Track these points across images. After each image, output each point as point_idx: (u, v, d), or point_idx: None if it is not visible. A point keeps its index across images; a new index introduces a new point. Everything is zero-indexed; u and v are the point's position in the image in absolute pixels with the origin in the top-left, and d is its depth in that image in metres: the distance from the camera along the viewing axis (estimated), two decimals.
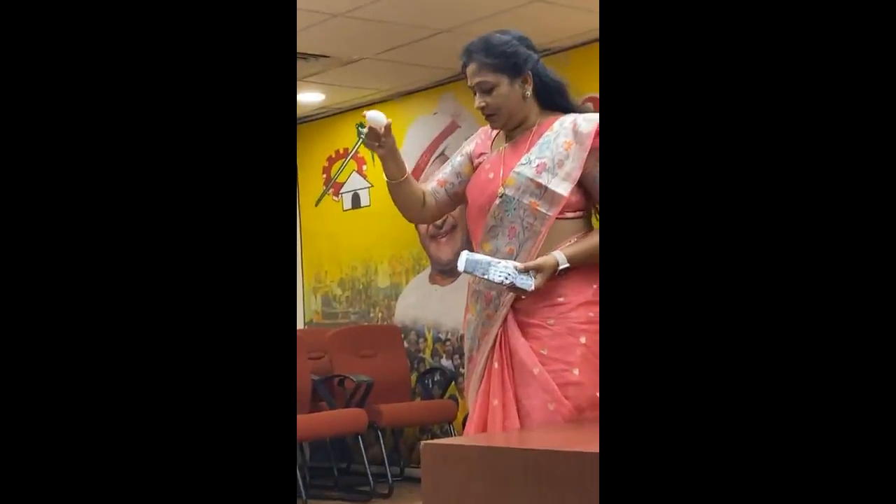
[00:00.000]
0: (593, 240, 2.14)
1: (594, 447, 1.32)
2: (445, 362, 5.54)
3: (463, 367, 2.97)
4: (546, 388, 2.07)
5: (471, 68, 2.21)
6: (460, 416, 5.09)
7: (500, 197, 2.20)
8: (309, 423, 4.99)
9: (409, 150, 5.55)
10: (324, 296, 6.28)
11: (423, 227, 5.51)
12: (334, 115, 6.12)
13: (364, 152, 6.06)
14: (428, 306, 5.62)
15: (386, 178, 2.30)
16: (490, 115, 2.24)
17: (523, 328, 2.16)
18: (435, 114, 5.62)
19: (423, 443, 1.69)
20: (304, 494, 4.85)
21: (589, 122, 2.15)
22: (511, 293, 2.13)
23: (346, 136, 6.10)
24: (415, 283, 5.72)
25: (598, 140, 2.11)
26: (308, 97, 5.77)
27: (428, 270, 5.62)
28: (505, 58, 2.19)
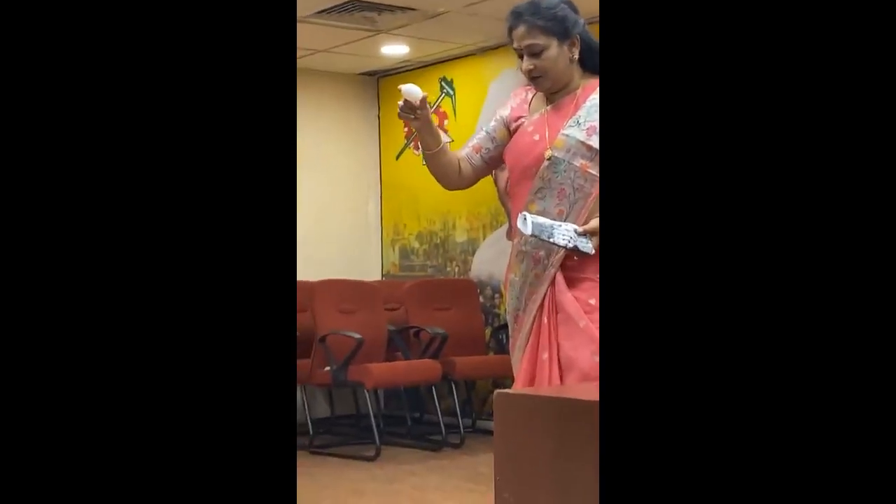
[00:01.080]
0: None
1: None
2: None
3: None
4: (593, 338, 2.11)
5: (519, 31, 2.22)
6: None
7: (549, 159, 2.21)
8: (384, 371, 5.09)
9: (493, 104, 5.54)
10: (402, 248, 6.34)
11: (501, 183, 5.51)
12: (418, 68, 6.12)
13: (446, 107, 6.07)
14: (504, 262, 5.56)
15: (421, 149, 2.33)
16: (536, 78, 2.25)
17: (570, 282, 2.21)
18: (519, 69, 5.58)
19: (496, 392, 1.71)
20: (377, 441, 4.96)
21: None
22: (561, 253, 2.17)
23: (429, 90, 6.08)
24: (492, 238, 5.73)
25: None
26: (392, 50, 5.78)
27: (505, 227, 5.62)
28: (555, 20, 2.20)
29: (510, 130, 2.34)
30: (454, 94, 6.01)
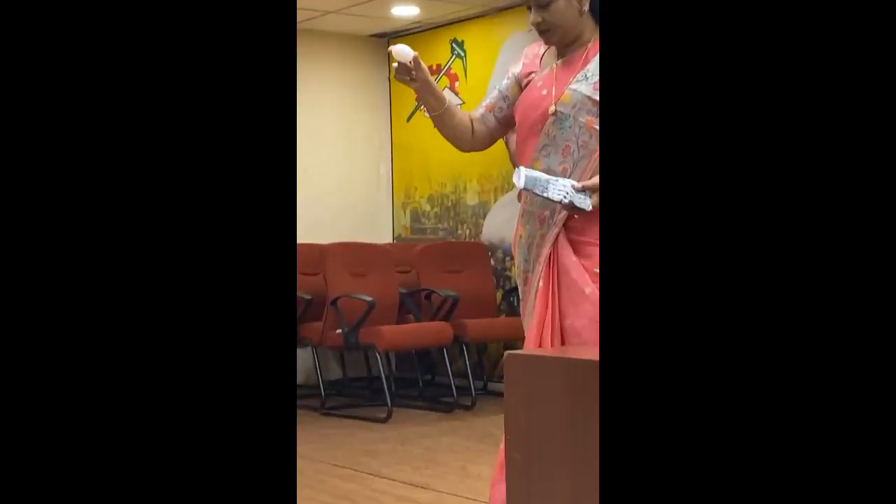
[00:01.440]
0: None
1: None
2: None
3: None
4: (596, 308, 2.05)
5: None
6: None
7: (554, 114, 2.16)
8: (395, 334, 5.11)
9: (504, 66, 5.50)
10: (413, 211, 6.34)
11: (512, 145, 5.49)
12: (428, 30, 6.08)
13: (457, 69, 6.03)
14: (515, 225, 5.62)
15: (426, 113, 2.29)
16: (544, 31, 2.20)
17: (575, 246, 2.15)
18: (531, 30, 5.54)
19: (506, 353, 1.72)
20: (389, 403, 4.99)
21: None
22: (564, 212, 2.12)
23: (439, 52, 6.06)
24: (503, 201, 5.72)
25: None
26: (403, 11, 5.74)
27: (516, 190, 5.61)
28: None
29: (521, 87, 2.29)
30: (465, 55, 5.97)
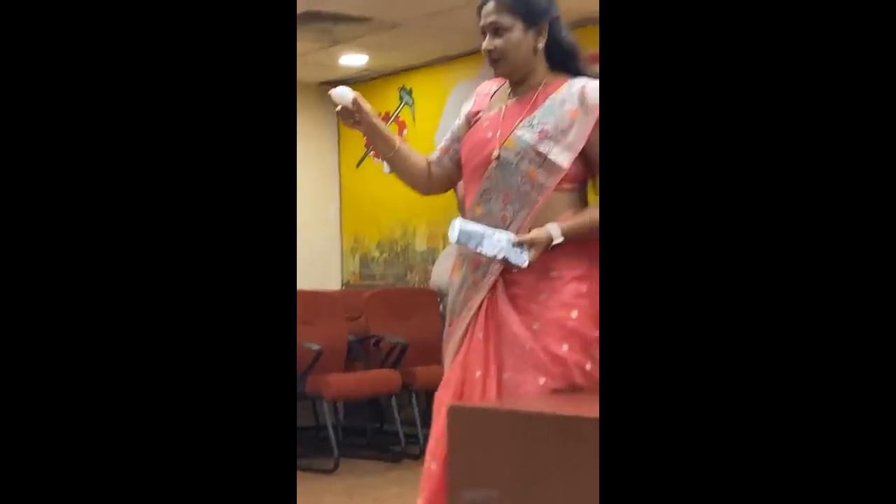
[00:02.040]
0: (588, 215, 2.06)
1: None
2: None
3: None
4: (538, 364, 2.02)
5: (487, 7, 2.11)
6: None
7: (497, 159, 2.11)
8: (344, 382, 5.06)
9: (452, 114, 5.55)
10: (362, 257, 6.33)
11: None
12: (377, 78, 6.12)
13: (405, 116, 6.07)
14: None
15: (375, 159, 2.29)
16: (496, 60, 2.13)
17: (513, 300, 2.09)
18: (477, 79, 5.61)
19: (449, 405, 1.71)
20: (336, 452, 4.93)
21: (598, 91, 2.05)
22: (499, 262, 2.05)
23: (388, 100, 6.10)
24: (452, 247, 5.72)
25: None
26: (351, 59, 5.78)
27: None
28: (524, 2, 2.09)
29: (471, 125, 2.23)
30: (413, 103, 6.01)
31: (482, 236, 2.00)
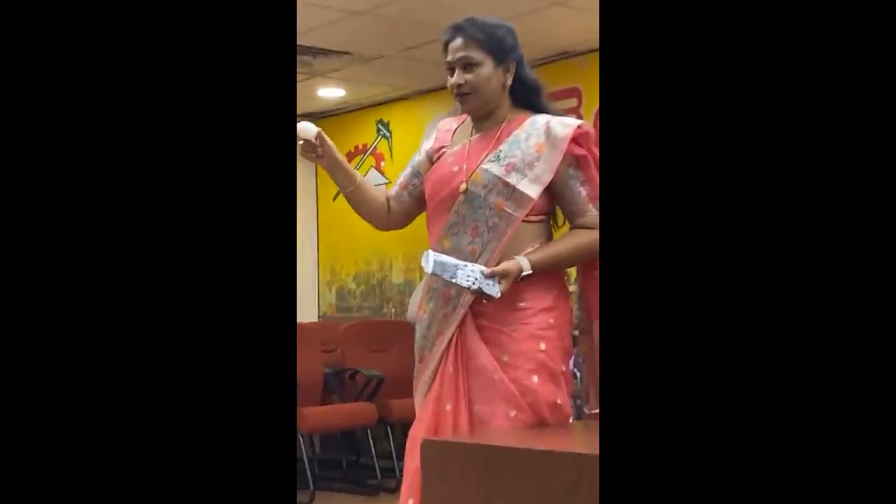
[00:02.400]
0: (555, 248, 2.10)
1: (594, 449, 1.35)
2: None
3: None
4: (508, 396, 2.03)
5: (455, 43, 2.14)
6: None
7: (464, 193, 2.13)
8: (320, 415, 5.04)
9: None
10: (339, 289, 6.32)
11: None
12: (354, 111, 6.16)
13: (382, 149, 6.10)
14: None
15: (339, 189, 2.26)
16: (465, 95, 2.15)
17: (482, 332, 2.10)
18: (452, 112, 5.65)
19: (423, 439, 1.71)
20: (311, 486, 4.89)
21: (565, 126, 2.10)
22: (469, 295, 2.08)
23: (365, 133, 6.13)
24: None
25: (574, 146, 2.08)
26: (328, 93, 5.81)
27: None
28: (494, 39, 2.13)
29: (433, 162, 2.25)
30: (391, 136, 6.04)
31: (455, 267, 2.02)
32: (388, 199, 2.30)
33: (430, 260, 2.03)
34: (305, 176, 6.42)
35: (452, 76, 2.15)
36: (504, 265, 2.05)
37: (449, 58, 2.16)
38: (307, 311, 6.31)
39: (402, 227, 2.38)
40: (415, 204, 2.31)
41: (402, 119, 5.98)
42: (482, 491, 1.63)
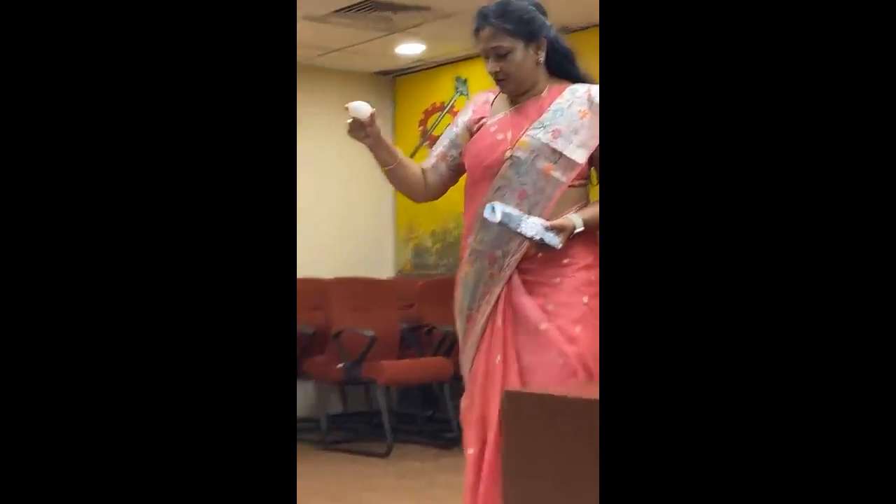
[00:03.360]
0: (598, 209, 2.17)
1: None
2: None
3: None
4: (554, 344, 2.12)
5: (486, 32, 2.22)
6: None
7: (510, 158, 2.22)
8: (396, 369, 5.11)
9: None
10: (415, 247, 6.37)
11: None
12: (432, 67, 6.14)
13: (460, 106, 6.08)
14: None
15: (379, 166, 2.33)
16: (501, 80, 2.25)
17: (528, 286, 2.20)
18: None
19: (504, 390, 1.73)
20: (389, 438, 4.98)
21: None
22: (518, 255, 2.18)
23: (443, 90, 6.12)
24: None
25: None
26: (407, 49, 5.81)
27: None
28: (522, 23, 2.20)
29: (472, 133, 2.34)
30: (468, 93, 6.02)
31: (520, 217, 2.12)
32: (424, 173, 2.39)
33: (498, 210, 2.10)
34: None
35: (487, 62, 2.25)
36: (561, 220, 2.15)
37: (481, 46, 2.25)
38: (384, 267, 6.38)
39: (437, 199, 2.47)
40: (451, 175, 2.41)
41: (480, 76, 5.94)
42: (562, 442, 1.65)
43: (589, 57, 2.29)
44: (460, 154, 2.36)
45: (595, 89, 2.21)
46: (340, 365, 5.08)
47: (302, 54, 5.73)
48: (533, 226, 2.12)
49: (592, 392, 1.91)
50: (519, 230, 2.11)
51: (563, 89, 2.25)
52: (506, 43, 2.20)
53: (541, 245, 2.13)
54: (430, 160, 2.40)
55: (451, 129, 2.40)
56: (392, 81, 6.46)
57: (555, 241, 2.13)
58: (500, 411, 2.06)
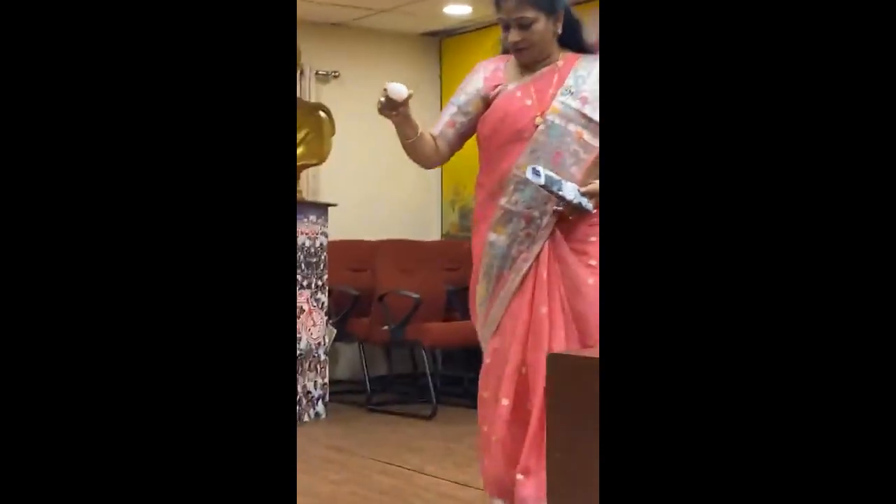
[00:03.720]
0: None
1: None
2: None
3: None
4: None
5: (509, 3, 2.31)
6: None
7: (545, 122, 2.32)
8: (442, 331, 5.13)
9: None
10: (461, 209, 6.35)
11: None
12: (480, 28, 6.08)
13: None
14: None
15: (399, 139, 2.40)
16: (522, 50, 2.34)
17: (570, 244, 2.35)
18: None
19: (548, 353, 1.72)
20: (434, 400, 5.01)
21: None
22: (552, 216, 2.31)
23: (491, 50, 6.06)
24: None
25: None
26: (455, 10, 5.75)
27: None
28: None
29: (488, 99, 2.42)
30: None
31: (561, 181, 2.24)
32: (434, 140, 2.48)
33: (542, 173, 2.20)
34: (430, 94, 6.41)
35: (507, 32, 2.36)
36: (593, 185, 2.28)
37: (504, 16, 2.34)
38: (430, 230, 6.38)
39: (444, 163, 2.59)
40: (458, 141, 2.53)
41: None
42: None
43: (589, 31, 2.43)
44: (469, 120, 2.45)
45: None
46: (385, 327, 5.10)
47: (350, 15, 5.71)
48: (572, 189, 2.23)
49: None
50: (560, 193, 2.22)
51: (575, 59, 2.37)
52: (529, 14, 2.30)
53: (577, 208, 2.25)
54: (438, 127, 2.49)
55: (458, 97, 2.48)
56: (439, 43, 6.41)
57: (590, 206, 2.26)
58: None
